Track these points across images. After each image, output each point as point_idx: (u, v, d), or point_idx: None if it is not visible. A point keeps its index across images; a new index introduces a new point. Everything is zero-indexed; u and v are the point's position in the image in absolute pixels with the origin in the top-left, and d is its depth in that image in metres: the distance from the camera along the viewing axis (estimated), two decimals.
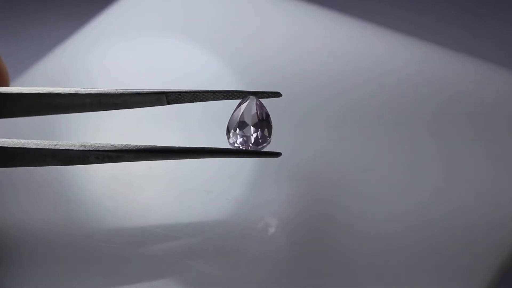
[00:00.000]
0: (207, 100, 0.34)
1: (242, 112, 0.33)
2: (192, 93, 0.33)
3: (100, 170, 0.36)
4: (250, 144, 0.33)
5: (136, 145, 0.32)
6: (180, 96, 0.33)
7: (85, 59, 0.43)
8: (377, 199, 0.35)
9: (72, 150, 0.32)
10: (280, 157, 0.32)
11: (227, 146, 0.33)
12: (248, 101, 0.33)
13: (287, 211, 0.35)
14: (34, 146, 0.32)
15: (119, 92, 0.33)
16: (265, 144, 0.33)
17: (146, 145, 0.32)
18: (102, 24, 0.44)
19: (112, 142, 0.32)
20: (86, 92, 0.34)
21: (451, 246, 0.34)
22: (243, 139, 0.33)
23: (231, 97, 0.34)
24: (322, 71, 0.41)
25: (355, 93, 0.40)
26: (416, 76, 0.40)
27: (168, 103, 0.34)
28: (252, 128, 0.33)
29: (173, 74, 0.42)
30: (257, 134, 0.33)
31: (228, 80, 0.41)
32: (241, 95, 0.33)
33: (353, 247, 0.34)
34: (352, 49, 0.42)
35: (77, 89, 0.34)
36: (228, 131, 0.33)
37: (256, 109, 0.33)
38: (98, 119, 0.37)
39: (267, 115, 0.33)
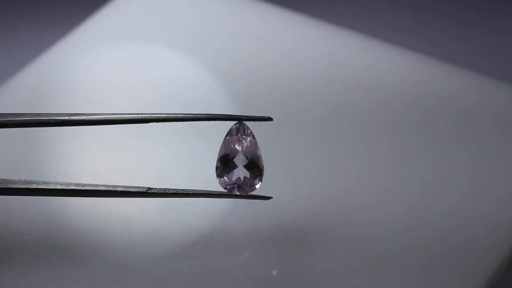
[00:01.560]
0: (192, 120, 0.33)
1: (230, 149, 0.32)
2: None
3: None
4: (236, 190, 0.32)
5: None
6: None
7: (66, 68, 0.42)
8: (370, 204, 0.35)
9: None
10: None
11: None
12: (238, 135, 0.32)
13: (273, 224, 0.35)
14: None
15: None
16: (253, 188, 0.32)
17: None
18: (85, 32, 0.44)
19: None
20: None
21: (444, 248, 0.33)
22: (233, 182, 0.32)
23: (218, 119, 0.32)
24: (311, 82, 0.40)
25: (344, 98, 0.40)
26: (405, 83, 0.40)
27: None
28: (241, 171, 0.32)
29: (158, 86, 0.41)
30: (248, 176, 0.32)
31: (215, 90, 0.41)
32: (229, 118, 0.32)
33: (350, 251, 0.33)
34: (342, 59, 0.42)
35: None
36: (217, 170, 0.32)
37: (243, 146, 0.32)
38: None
39: (255, 151, 0.32)
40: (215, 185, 0.32)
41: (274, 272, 0.34)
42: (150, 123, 0.32)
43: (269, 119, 0.32)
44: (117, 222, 0.35)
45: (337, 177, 0.36)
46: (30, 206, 0.35)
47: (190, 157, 0.38)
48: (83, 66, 0.42)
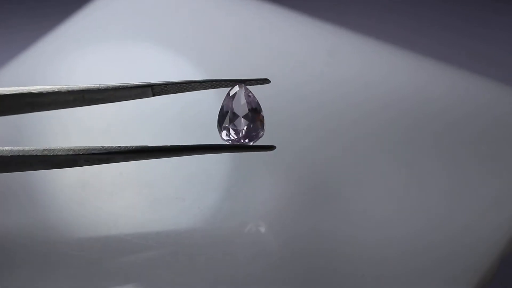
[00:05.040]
0: (193, 90, 0.33)
1: (232, 103, 0.32)
2: (178, 84, 0.33)
3: (70, 175, 0.35)
4: (242, 139, 0.32)
5: (126, 147, 0.31)
6: (166, 88, 0.33)
7: (52, 65, 0.42)
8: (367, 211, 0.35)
9: (61, 155, 0.31)
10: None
11: (219, 139, 0.32)
12: (237, 90, 0.32)
13: (263, 219, 0.34)
14: (21, 154, 0.31)
15: (102, 88, 0.33)
16: (258, 136, 0.32)
17: (136, 146, 0.31)
18: (69, 29, 0.43)
19: (101, 144, 0.31)
20: (69, 89, 0.33)
21: (444, 261, 0.33)
22: (235, 132, 0.32)
23: (218, 86, 0.33)
24: (309, 89, 0.40)
25: (352, 112, 0.39)
26: (417, 96, 0.40)
27: (154, 95, 0.33)
28: (243, 120, 0.32)
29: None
30: (249, 126, 0.32)
31: None
32: (229, 83, 0.32)
33: (344, 265, 0.33)
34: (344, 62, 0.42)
35: (59, 86, 0.33)
36: (219, 125, 0.32)
37: (246, 98, 0.32)
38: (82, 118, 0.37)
39: (258, 104, 0.32)
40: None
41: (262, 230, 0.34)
42: (155, 97, 0.32)
43: (267, 81, 0.32)
44: (104, 217, 0.34)
45: (325, 191, 0.36)
46: (14, 201, 0.35)
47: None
48: (66, 65, 0.42)
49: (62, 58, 0.42)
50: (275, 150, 0.32)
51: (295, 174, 0.36)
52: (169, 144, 0.31)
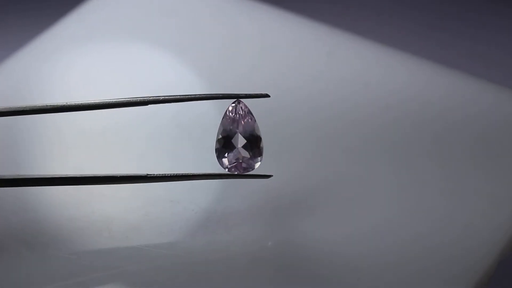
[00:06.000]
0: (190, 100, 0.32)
1: (230, 128, 0.32)
2: (176, 98, 0.32)
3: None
4: (240, 168, 0.32)
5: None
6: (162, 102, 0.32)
7: (46, 65, 0.41)
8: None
9: None
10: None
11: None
12: (235, 111, 0.32)
13: (256, 224, 0.34)
14: None
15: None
16: (255, 166, 0.32)
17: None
18: (65, 29, 0.43)
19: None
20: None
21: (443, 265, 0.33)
22: (234, 161, 0.32)
23: (216, 99, 0.32)
24: (306, 92, 0.40)
25: (349, 115, 0.39)
26: (416, 98, 0.40)
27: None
28: (241, 150, 0.32)
29: (140, 83, 0.41)
30: (247, 155, 0.32)
31: (198, 89, 0.40)
32: (228, 98, 0.32)
33: (338, 273, 0.33)
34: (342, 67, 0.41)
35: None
36: (217, 150, 0.32)
37: (243, 127, 0.32)
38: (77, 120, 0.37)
39: (256, 128, 0.32)
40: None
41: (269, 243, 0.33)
42: (149, 105, 0.32)
43: (266, 95, 0.32)
44: (97, 220, 0.34)
45: (317, 198, 0.36)
46: (8, 205, 0.34)
47: (173, 154, 0.37)
48: (62, 64, 0.41)
49: (57, 57, 0.42)
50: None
51: (292, 176, 0.36)
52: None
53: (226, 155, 0.32)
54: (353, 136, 0.38)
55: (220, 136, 0.32)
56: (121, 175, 0.31)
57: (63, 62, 0.41)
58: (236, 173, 0.32)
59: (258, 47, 0.42)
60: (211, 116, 0.36)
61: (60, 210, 0.34)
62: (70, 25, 0.43)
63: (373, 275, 0.33)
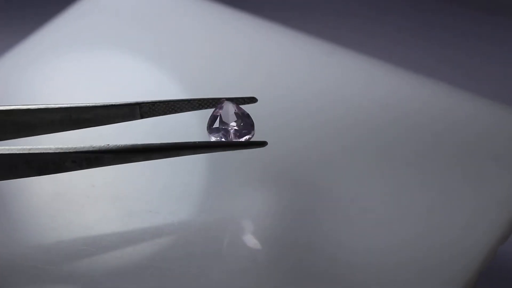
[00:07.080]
0: (181, 111, 0.32)
1: (221, 109, 0.32)
2: (166, 103, 0.32)
3: (42, 186, 0.34)
4: (232, 136, 0.32)
5: (116, 145, 0.30)
6: (153, 107, 0.32)
7: (26, 73, 0.41)
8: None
9: (48, 153, 0.30)
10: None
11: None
12: (224, 105, 0.32)
13: (238, 234, 0.34)
14: (6, 152, 0.30)
15: (90, 105, 0.32)
16: (248, 136, 0.32)
17: (126, 144, 0.30)
18: (44, 38, 0.43)
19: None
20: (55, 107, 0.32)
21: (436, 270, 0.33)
22: (225, 133, 0.32)
23: (206, 106, 0.33)
24: (288, 101, 0.40)
25: (330, 126, 0.39)
26: (405, 107, 0.39)
27: (142, 117, 0.32)
28: (233, 123, 0.32)
29: (122, 91, 0.40)
30: (239, 125, 0.32)
31: (177, 95, 0.40)
32: (217, 102, 0.32)
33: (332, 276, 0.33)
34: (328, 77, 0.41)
35: (45, 105, 0.32)
36: (209, 127, 0.32)
37: (235, 109, 0.32)
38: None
39: (247, 114, 0.32)
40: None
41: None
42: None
43: (254, 100, 0.32)
44: (75, 230, 0.34)
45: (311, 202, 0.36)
46: None
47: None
48: (42, 72, 0.41)
49: (38, 66, 0.41)
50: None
51: (278, 183, 0.36)
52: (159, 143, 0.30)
53: (218, 126, 0.32)
54: (332, 148, 0.38)
55: (211, 117, 0.32)
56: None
57: (44, 70, 0.41)
58: (231, 139, 0.32)
59: (243, 55, 0.42)
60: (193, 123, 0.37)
61: (37, 220, 0.34)
62: (51, 33, 0.43)
63: (373, 275, 0.33)
